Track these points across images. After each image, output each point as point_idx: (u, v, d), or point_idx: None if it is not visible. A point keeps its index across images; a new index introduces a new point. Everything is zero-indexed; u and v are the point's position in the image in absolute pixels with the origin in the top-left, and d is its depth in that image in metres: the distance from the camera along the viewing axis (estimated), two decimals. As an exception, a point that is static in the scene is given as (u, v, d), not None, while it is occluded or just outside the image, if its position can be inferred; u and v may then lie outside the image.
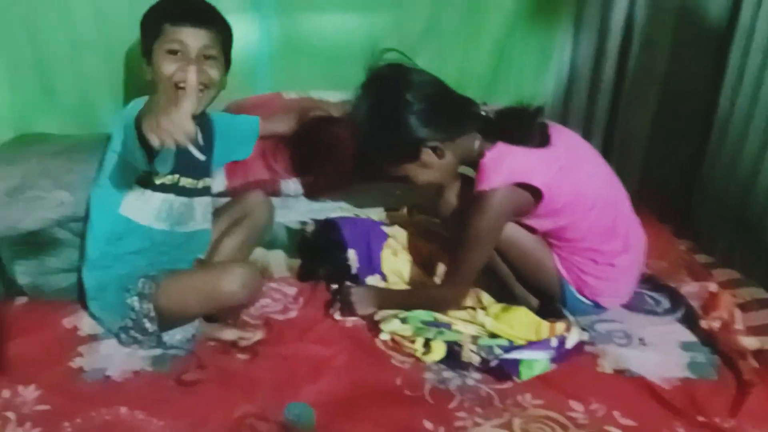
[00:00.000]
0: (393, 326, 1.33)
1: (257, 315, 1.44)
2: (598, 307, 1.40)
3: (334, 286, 1.49)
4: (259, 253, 1.61)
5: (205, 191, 1.46)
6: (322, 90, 1.92)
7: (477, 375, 1.24)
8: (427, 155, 1.30)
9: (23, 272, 1.45)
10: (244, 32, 1.88)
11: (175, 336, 1.28)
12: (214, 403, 1.15)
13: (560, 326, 1.30)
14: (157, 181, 1.33)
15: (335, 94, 1.88)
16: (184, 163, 1.29)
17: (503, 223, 1.31)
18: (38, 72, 1.76)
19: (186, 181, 1.38)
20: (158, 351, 1.27)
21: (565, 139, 1.35)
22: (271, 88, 1.93)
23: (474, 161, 1.31)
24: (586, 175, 1.34)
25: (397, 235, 1.60)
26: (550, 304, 1.39)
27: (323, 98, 1.90)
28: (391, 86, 1.28)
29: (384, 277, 1.55)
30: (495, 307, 1.37)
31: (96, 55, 1.78)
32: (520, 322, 1.31)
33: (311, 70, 1.96)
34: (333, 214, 1.68)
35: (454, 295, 1.38)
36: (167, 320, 1.25)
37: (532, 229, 1.36)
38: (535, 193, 1.27)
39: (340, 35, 1.95)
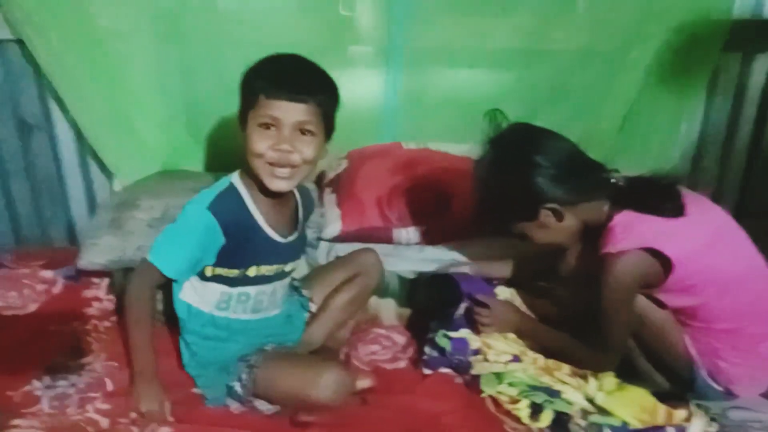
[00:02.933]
0: (496, 386, 1.30)
1: (366, 362, 1.46)
2: (730, 394, 1.30)
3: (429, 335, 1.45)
4: (370, 300, 1.62)
5: (288, 274, 1.38)
6: (441, 142, 1.95)
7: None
8: (545, 217, 1.29)
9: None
10: (373, 84, 1.97)
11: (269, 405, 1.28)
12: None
13: (680, 414, 1.22)
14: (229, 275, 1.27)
15: (454, 147, 1.92)
16: (267, 251, 1.28)
17: (636, 286, 1.25)
18: (188, 114, 1.92)
19: (267, 269, 1.30)
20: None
21: (702, 211, 1.29)
22: (393, 137, 1.99)
23: (601, 225, 1.28)
24: (723, 251, 1.25)
25: (506, 295, 1.55)
26: (676, 386, 1.31)
27: (441, 150, 1.94)
28: (520, 145, 1.29)
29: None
30: (610, 381, 1.29)
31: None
32: (635, 403, 1.24)
33: (434, 123, 2.00)
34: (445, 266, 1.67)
35: (604, 361, 1.32)
36: (262, 397, 1.27)
37: (662, 304, 1.29)
38: (666, 265, 1.21)
39: (465, 90, 1.99)
